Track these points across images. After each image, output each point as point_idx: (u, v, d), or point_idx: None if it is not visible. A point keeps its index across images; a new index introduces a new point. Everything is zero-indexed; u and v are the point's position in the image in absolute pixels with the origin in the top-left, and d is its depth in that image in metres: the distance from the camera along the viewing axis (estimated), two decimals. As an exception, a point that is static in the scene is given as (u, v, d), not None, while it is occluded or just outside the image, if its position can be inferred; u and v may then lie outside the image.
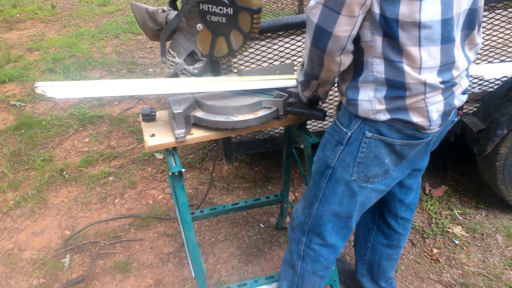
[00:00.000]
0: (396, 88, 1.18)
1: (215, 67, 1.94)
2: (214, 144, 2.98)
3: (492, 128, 2.09)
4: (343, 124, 1.32)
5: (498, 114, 2.09)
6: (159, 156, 3.16)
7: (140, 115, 1.61)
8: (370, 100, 1.22)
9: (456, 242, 2.30)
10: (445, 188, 2.65)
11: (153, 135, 1.51)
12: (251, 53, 2.08)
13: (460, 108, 1.44)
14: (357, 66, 1.24)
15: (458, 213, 2.48)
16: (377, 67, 1.18)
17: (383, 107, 1.21)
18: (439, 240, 2.32)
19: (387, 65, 1.17)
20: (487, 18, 2.14)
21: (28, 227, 2.56)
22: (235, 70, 2.20)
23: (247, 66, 2.13)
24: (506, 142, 2.12)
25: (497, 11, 2.13)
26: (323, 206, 1.43)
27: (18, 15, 6.82)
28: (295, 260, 1.58)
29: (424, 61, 1.14)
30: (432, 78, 1.16)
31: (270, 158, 3.06)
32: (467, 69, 1.30)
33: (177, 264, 2.26)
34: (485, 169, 2.30)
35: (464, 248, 2.27)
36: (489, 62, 2.32)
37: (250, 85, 1.58)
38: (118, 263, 2.28)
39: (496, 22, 2.16)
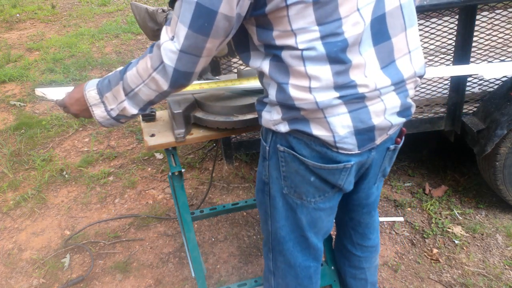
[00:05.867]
0: (289, 107, 1.09)
1: (215, 67, 1.94)
2: (214, 144, 2.98)
3: (492, 128, 2.09)
4: (263, 137, 1.24)
5: (498, 114, 2.09)
6: (159, 156, 3.16)
7: (140, 115, 1.61)
8: (269, 111, 1.15)
9: (456, 242, 2.30)
10: (445, 188, 2.65)
11: (153, 135, 1.51)
12: (251, 53, 2.08)
13: (400, 135, 1.25)
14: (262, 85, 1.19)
15: (458, 213, 2.48)
16: (271, 91, 1.11)
17: (279, 116, 1.11)
18: (439, 240, 2.32)
19: (278, 88, 1.08)
20: (487, 18, 2.14)
21: (28, 227, 2.56)
22: (235, 70, 2.20)
23: (247, 66, 2.13)
24: (506, 142, 2.12)
25: (497, 11, 2.13)
26: (273, 223, 1.33)
27: (18, 15, 6.82)
28: (268, 274, 1.51)
29: (311, 82, 1.03)
30: (324, 96, 1.03)
31: (270, 158, 3.05)
32: (399, 84, 1.10)
33: (177, 264, 2.26)
34: (485, 169, 2.30)
35: (464, 248, 2.27)
36: (489, 62, 2.32)
37: (250, 85, 1.59)
38: (118, 263, 2.28)
39: (496, 22, 2.16)
